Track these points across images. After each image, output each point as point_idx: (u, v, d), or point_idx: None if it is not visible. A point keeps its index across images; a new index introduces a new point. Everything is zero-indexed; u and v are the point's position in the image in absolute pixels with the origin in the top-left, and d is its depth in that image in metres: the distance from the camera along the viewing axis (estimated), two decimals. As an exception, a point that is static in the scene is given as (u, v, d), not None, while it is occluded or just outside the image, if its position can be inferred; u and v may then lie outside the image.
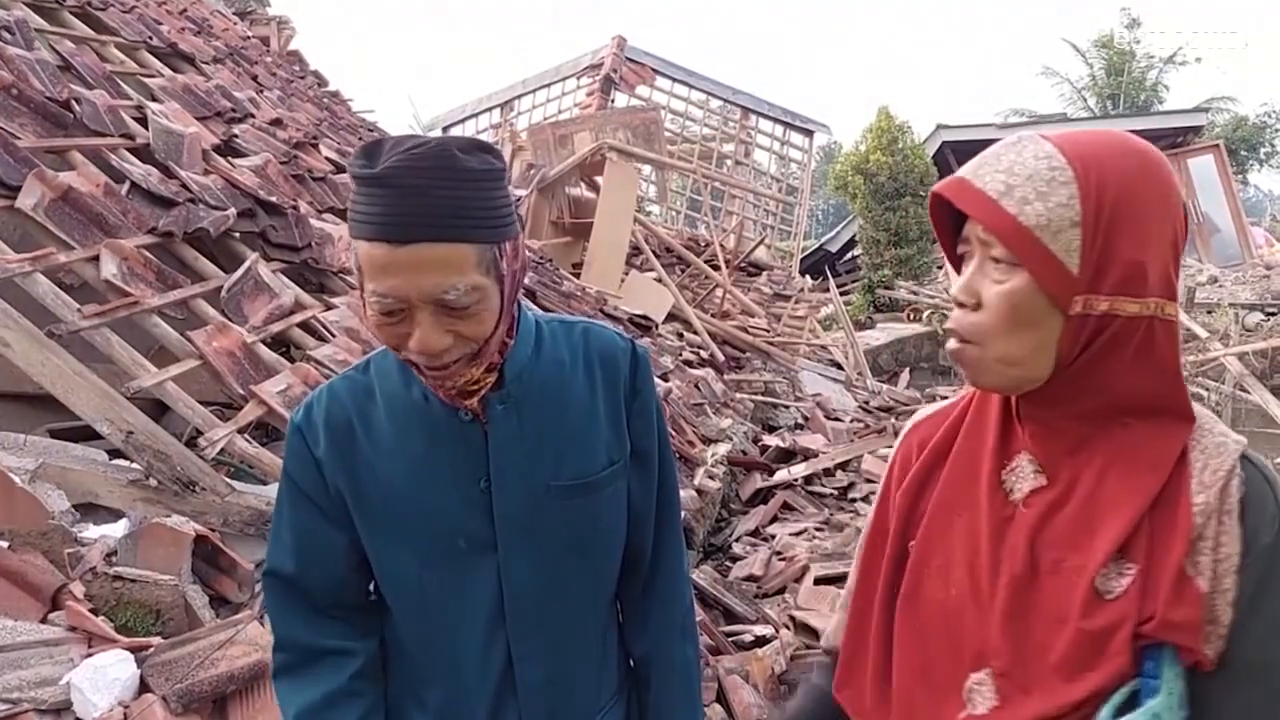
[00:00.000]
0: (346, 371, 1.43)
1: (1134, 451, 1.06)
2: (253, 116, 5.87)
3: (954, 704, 1.12)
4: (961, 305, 1.08)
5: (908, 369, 13.98)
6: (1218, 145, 19.54)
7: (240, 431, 3.21)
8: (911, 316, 16.08)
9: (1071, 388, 1.07)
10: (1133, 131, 1.17)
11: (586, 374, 1.39)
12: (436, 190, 1.11)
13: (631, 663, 1.55)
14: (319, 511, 1.37)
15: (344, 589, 1.40)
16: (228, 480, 3.14)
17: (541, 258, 8.42)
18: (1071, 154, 1.03)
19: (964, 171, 1.08)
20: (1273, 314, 14.13)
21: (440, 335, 1.17)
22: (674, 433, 5.44)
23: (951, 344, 1.10)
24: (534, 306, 6.16)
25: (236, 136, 5.31)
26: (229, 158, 4.96)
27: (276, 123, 6.07)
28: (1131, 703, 1.01)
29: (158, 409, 3.56)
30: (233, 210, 4.28)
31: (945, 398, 1.43)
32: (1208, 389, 10.33)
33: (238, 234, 4.31)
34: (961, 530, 1.16)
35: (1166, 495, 1.04)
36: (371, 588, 1.44)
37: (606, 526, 1.42)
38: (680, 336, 9.16)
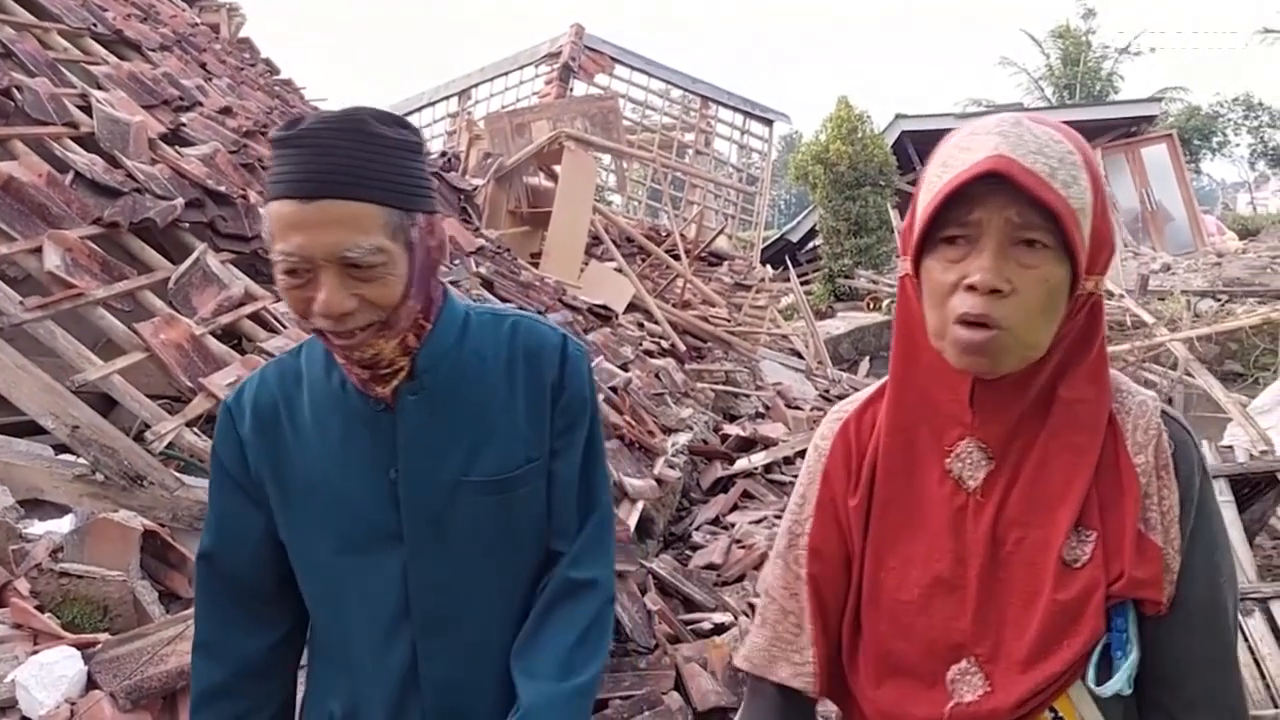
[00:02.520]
0: (281, 355, 1.43)
1: (1067, 422, 1.08)
2: (201, 105, 5.76)
3: (938, 697, 1.10)
4: (995, 292, 1.00)
5: (868, 357, 14.08)
6: (1171, 135, 19.80)
7: (189, 425, 3.17)
8: (871, 305, 16.17)
9: (1040, 366, 1.07)
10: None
11: (508, 368, 1.37)
12: (344, 150, 1.16)
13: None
14: (240, 491, 1.38)
15: (261, 572, 1.40)
16: (176, 474, 3.09)
17: (499, 247, 8.36)
18: (1070, 140, 1.04)
19: (999, 149, 1.00)
20: (1224, 301, 14.38)
21: (344, 297, 1.18)
22: (634, 423, 5.43)
23: (975, 335, 1.02)
24: (491, 296, 6.09)
25: (184, 125, 5.21)
26: (176, 147, 4.86)
27: (226, 111, 5.97)
28: (1104, 656, 1.06)
29: (105, 403, 3.50)
30: (180, 200, 4.20)
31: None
32: (1157, 375, 10.51)
33: (186, 224, 4.22)
34: (914, 527, 1.14)
35: (1105, 460, 1.08)
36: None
37: (523, 526, 1.38)
38: (641, 326, 9.14)
